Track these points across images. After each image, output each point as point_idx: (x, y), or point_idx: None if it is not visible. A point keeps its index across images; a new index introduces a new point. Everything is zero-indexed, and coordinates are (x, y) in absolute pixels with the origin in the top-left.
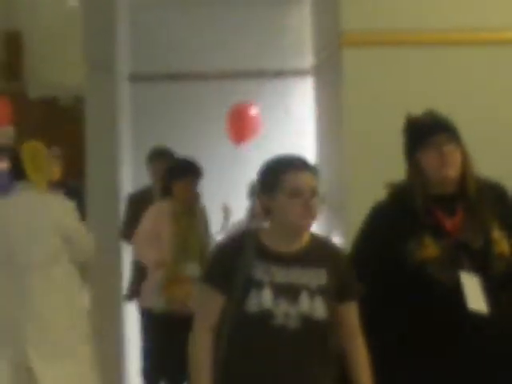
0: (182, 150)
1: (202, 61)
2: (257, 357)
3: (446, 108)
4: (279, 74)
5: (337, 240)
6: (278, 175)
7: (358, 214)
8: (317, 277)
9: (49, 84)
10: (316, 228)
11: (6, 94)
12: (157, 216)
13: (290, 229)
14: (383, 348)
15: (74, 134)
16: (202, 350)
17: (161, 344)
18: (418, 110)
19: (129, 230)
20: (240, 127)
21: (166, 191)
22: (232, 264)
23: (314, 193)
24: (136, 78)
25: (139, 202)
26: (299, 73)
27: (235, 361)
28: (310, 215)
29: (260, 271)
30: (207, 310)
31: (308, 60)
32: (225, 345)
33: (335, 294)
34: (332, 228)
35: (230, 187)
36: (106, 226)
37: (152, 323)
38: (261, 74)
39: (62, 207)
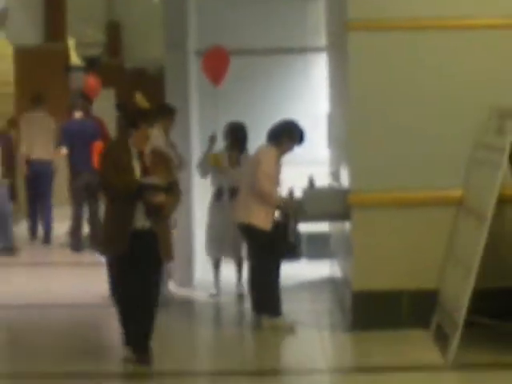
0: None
1: (247, 40)
2: None
3: (423, 81)
4: (302, 50)
5: (344, 181)
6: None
7: (358, 150)
8: None
9: (139, 58)
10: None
11: (110, 66)
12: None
13: None
14: None
15: (157, 95)
16: None
17: None
18: (404, 80)
19: None
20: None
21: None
22: None
23: None
24: (200, 53)
25: None
26: (317, 50)
27: None
28: None
29: None
30: None
31: (323, 40)
32: None
33: None
34: (337, 172)
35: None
36: None
37: None
38: (289, 51)
39: None
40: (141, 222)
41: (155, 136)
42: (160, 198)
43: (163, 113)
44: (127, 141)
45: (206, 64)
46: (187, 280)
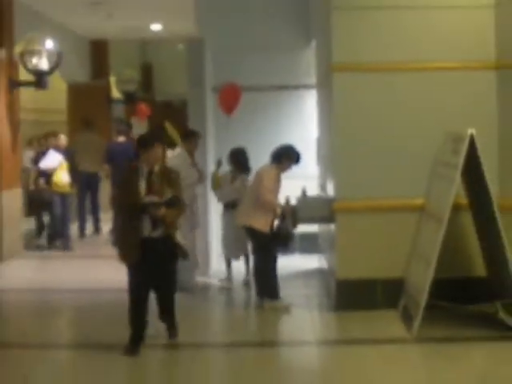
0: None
1: (253, 79)
2: None
3: (393, 112)
4: (297, 87)
5: (330, 191)
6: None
7: (340, 166)
8: None
9: (167, 93)
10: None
11: (144, 99)
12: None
13: None
14: None
15: (181, 123)
16: None
17: None
18: (378, 111)
19: None
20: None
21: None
22: None
23: None
24: (216, 89)
25: None
26: (309, 87)
27: None
28: None
29: None
30: None
31: (314, 79)
32: None
33: None
34: (326, 182)
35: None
36: None
37: None
38: (286, 88)
39: None
40: (147, 231)
41: (177, 155)
42: (161, 212)
43: (188, 137)
44: (137, 164)
45: (222, 97)
46: (205, 270)
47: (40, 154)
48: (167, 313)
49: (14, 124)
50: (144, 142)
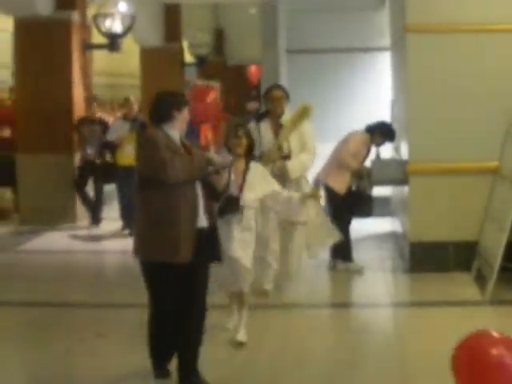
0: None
1: (327, 41)
2: None
3: (467, 74)
4: (372, 49)
5: (404, 154)
6: None
7: (415, 129)
8: None
9: (239, 57)
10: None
11: (216, 63)
12: None
13: None
14: None
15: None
16: None
17: None
18: (452, 73)
19: None
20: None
21: None
22: None
23: None
24: (289, 51)
25: None
26: (383, 49)
27: None
28: None
29: None
30: None
31: (388, 41)
32: None
33: None
34: (400, 145)
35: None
36: None
37: None
38: (361, 50)
39: None
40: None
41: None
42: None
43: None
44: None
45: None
46: None
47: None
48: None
49: (88, 86)
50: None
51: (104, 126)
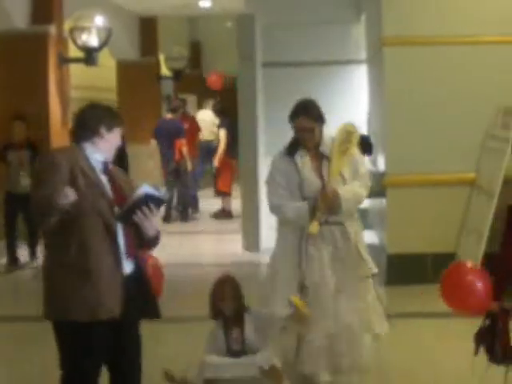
0: None
1: (303, 54)
2: None
3: (443, 86)
4: (348, 62)
5: (381, 164)
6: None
7: (391, 141)
8: None
9: (216, 69)
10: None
11: (193, 76)
12: None
13: None
14: None
15: (231, 98)
16: None
17: None
18: (428, 85)
19: None
20: None
21: None
22: None
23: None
24: (266, 64)
25: None
26: (359, 62)
27: None
28: None
29: None
30: None
31: (364, 54)
32: None
33: None
34: (377, 157)
35: None
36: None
37: None
38: (337, 63)
39: None
40: None
41: None
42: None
43: None
44: None
45: None
46: (255, 246)
47: None
48: None
49: (64, 100)
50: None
51: (34, 150)
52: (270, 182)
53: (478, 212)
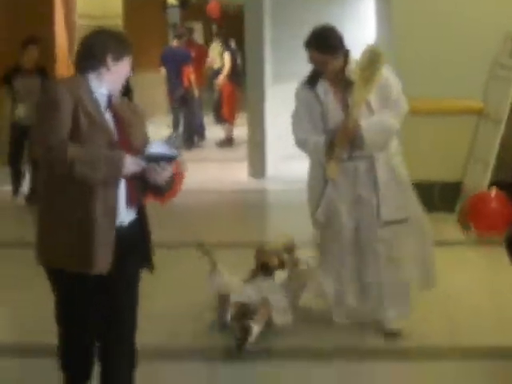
0: None
1: None
2: None
3: (452, 13)
4: None
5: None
6: None
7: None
8: None
9: None
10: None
11: (199, 4)
12: None
13: None
14: None
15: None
16: None
17: None
18: (437, 12)
19: None
20: None
21: None
22: None
23: None
24: None
25: None
26: None
27: None
28: None
29: None
30: None
31: None
32: None
33: None
34: None
35: None
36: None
37: None
38: None
39: None
40: None
41: None
42: None
43: None
44: None
45: None
46: (261, 173)
47: None
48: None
49: (71, 28)
50: None
51: (44, 77)
52: (294, 115)
53: (484, 141)
